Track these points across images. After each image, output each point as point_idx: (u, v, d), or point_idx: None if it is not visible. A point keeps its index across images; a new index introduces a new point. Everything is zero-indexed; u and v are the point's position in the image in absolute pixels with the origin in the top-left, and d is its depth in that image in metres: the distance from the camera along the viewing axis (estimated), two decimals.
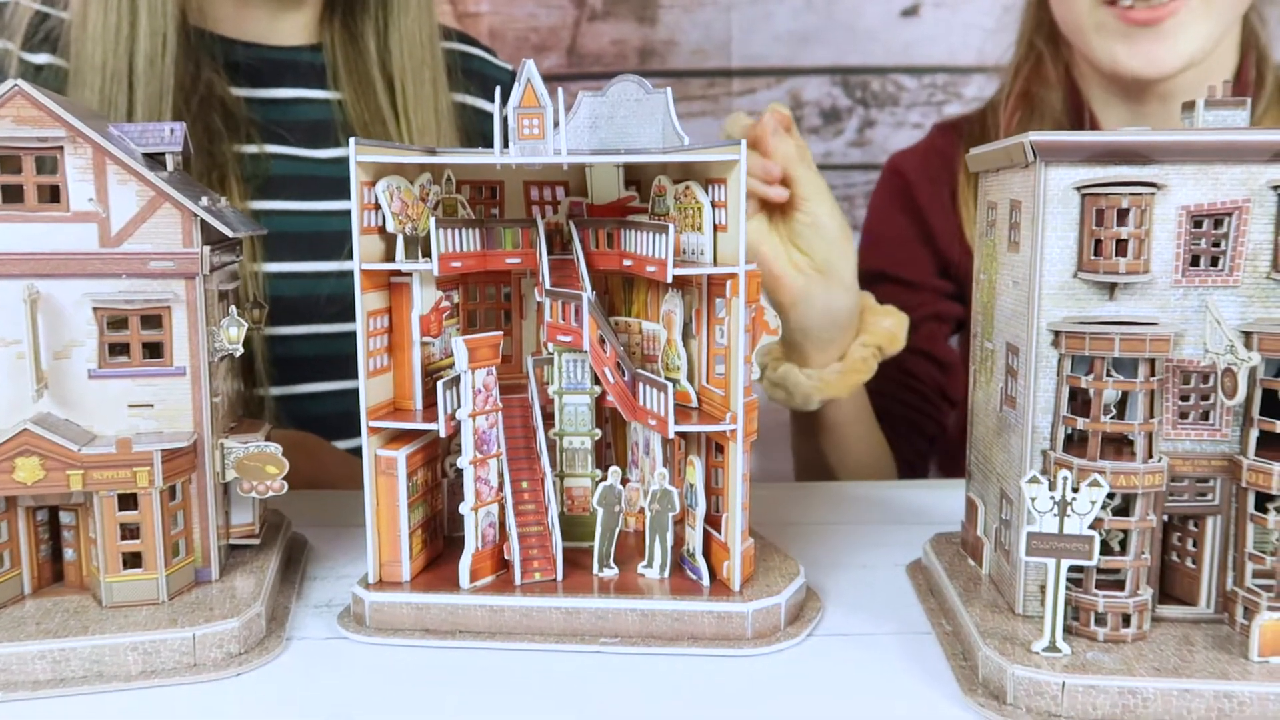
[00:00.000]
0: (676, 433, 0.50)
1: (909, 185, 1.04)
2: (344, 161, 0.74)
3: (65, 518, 0.50)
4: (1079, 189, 0.45)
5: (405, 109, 0.89)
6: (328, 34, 0.90)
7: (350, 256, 0.51)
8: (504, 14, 1.45)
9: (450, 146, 0.90)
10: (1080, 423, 0.45)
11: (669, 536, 0.52)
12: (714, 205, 0.50)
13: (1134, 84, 0.86)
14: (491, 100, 0.86)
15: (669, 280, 0.49)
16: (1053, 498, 0.41)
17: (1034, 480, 0.43)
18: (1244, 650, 0.42)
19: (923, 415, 0.95)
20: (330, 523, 0.63)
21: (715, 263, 0.50)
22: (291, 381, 0.82)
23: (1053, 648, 0.42)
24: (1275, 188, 0.45)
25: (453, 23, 1.42)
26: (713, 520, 0.52)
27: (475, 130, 0.96)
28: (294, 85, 0.89)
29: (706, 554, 0.51)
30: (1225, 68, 0.89)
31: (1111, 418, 0.45)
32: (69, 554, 0.50)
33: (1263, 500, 0.45)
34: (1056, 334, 0.45)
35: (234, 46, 0.85)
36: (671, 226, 0.49)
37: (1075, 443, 0.46)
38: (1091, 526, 0.42)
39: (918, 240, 0.98)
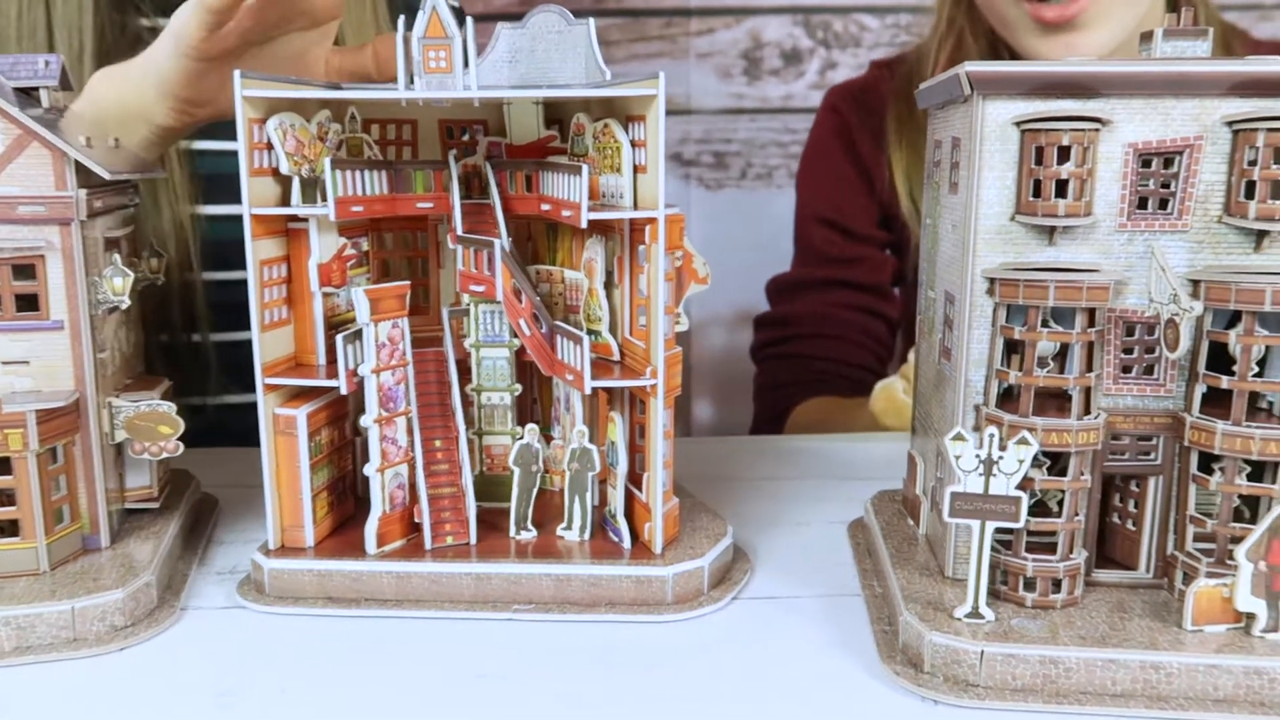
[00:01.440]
0: (596, 388, 0.47)
1: (847, 126, 1.02)
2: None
3: None
4: (1018, 124, 0.42)
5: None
6: None
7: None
8: None
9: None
10: (1013, 376, 0.42)
11: (589, 497, 0.49)
12: (633, 145, 0.47)
13: None
14: None
15: (584, 226, 0.46)
16: (978, 456, 0.39)
17: (958, 437, 0.40)
18: (1179, 618, 0.40)
19: (874, 374, 0.94)
20: (247, 482, 0.60)
21: (635, 206, 0.47)
22: (233, 328, 0.79)
23: (975, 614, 0.40)
24: (1230, 124, 0.42)
25: None
26: (636, 479, 0.49)
27: None
28: None
29: (629, 515, 0.49)
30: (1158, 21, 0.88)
31: (1048, 371, 0.43)
32: None
33: (1206, 460, 0.43)
34: (991, 281, 0.43)
35: None
36: (586, 168, 0.46)
37: (1011, 398, 0.44)
38: (1020, 486, 0.39)
39: (858, 184, 0.97)
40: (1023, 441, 0.39)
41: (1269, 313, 0.40)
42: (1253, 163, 0.41)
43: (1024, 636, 0.39)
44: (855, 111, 1.03)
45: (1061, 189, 0.42)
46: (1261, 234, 0.42)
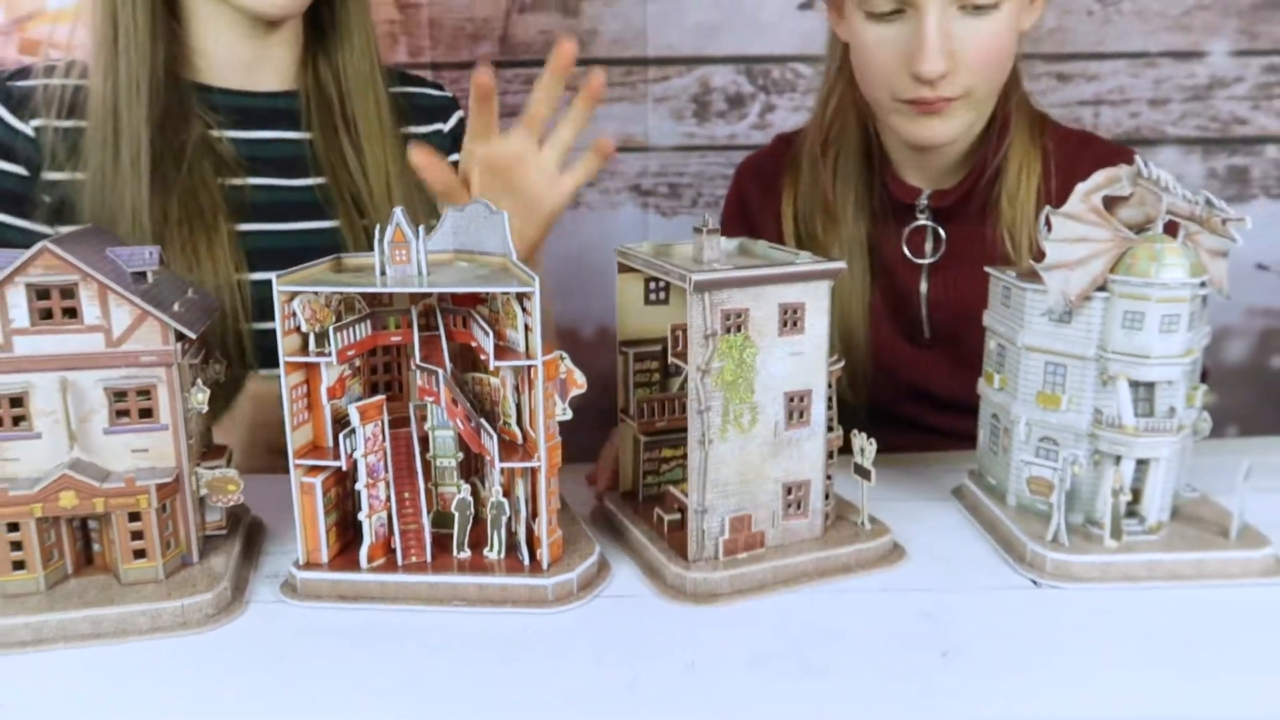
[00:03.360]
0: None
1: (746, 198, 1.25)
2: (314, 188, 0.97)
3: (92, 524, 0.74)
4: None
5: (360, 146, 1.10)
6: (301, 82, 1.11)
7: None
8: (441, 5, 1.63)
9: (398, 171, 1.11)
10: None
11: (503, 531, 0.75)
12: (524, 312, 0.72)
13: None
14: (428, 124, 1.09)
15: (492, 367, 0.72)
16: None
17: None
18: None
19: None
20: (283, 506, 0.88)
21: (526, 355, 0.72)
22: (272, 365, 1.06)
23: None
24: None
25: (395, 13, 1.60)
26: (533, 517, 0.76)
27: None
28: (272, 128, 1.10)
29: (529, 542, 0.75)
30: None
31: None
32: (96, 547, 0.74)
33: None
34: None
35: (222, 95, 1.06)
36: (490, 334, 0.72)
37: None
38: None
39: None
40: None
41: None
42: None
43: None
44: (755, 184, 1.26)
45: None
46: None
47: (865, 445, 0.80)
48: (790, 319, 0.74)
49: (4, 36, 1.60)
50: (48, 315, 0.69)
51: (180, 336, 0.72)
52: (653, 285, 0.86)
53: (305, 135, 1.11)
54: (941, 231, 1.15)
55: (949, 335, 1.14)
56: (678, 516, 0.80)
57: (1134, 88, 1.62)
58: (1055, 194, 1.10)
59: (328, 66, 1.11)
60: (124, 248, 0.74)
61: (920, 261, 1.16)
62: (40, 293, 0.69)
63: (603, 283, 1.65)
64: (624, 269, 0.84)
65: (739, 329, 0.72)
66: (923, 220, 1.15)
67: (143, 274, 0.74)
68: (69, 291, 0.69)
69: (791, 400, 0.75)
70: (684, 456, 0.86)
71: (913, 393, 1.18)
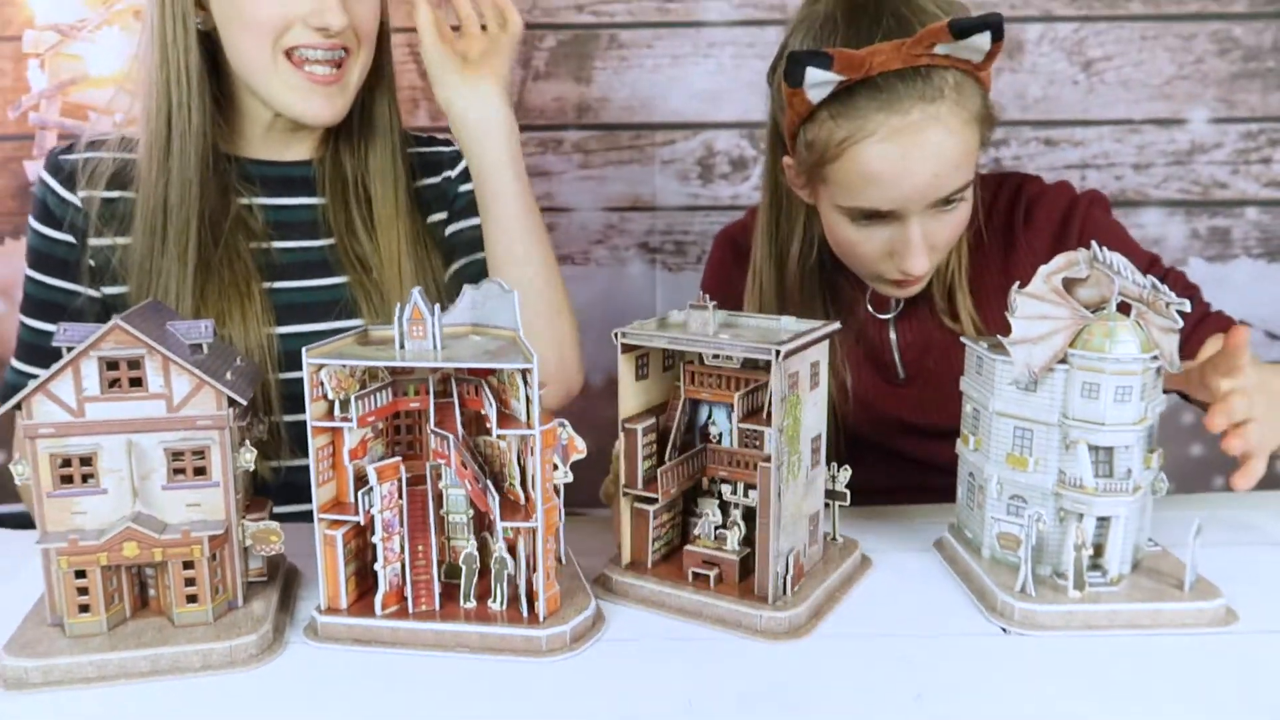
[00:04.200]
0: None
1: (723, 261, 1.31)
2: (326, 249, 1.08)
3: (148, 571, 0.82)
4: None
5: (373, 223, 1.20)
6: (323, 153, 1.21)
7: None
8: None
9: (409, 248, 1.21)
10: None
11: (505, 584, 0.83)
12: (526, 385, 0.80)
13: None
14: (435, 175, 1.23)
15: (495, 435, 0.80)
16: None
17: None
18: None
19: None
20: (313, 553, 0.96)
21: (527, 424, 0.80)
22: (299, 412, 1.09)
23: None
24: None
25: (417, 79, 1.71)
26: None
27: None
28: (298, 195, 1.20)
29: (529, 594, 0.83)
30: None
31: None
32: (151, 592, 0.83)
33: None
34: None
35: (254, 165, 1.17)
36: (495, 404, 0.80)
37: None
38: None
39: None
40: None
41: None
42: None
43: None
44: (730, 253, 1.31)
45: None
46: None
47: (838, 473, 0.92)
48: (815, 375, 0.86)
49: (47, 100, 1.73)
50: (115, 384, 0.79)
51: (232, 402, 0.81)
52: (640, 361, 0.92)
53: (324, 200, 1.21)
54: None
55: (923, 371, 1.20)
56: (715, 571, 0.86)
57: (1118, 153, 1.71)
58: (981, 233, 1.17)
59: (349, 153, 1.20)
60: (182, 322, 0.84)
61: (885, 317, 1.23)
62: (110, 364, 0.79)
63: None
64: (627, 349, 0.87)
65: (794, 388, 0.82)
66: None
67: (199, 345, 0.83)
68: (136, 363, 0.79)
69: (813, 444, 0.87)
70: (676, 518, 0.94)
71: (890, 425, 1.26)
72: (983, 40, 0.94)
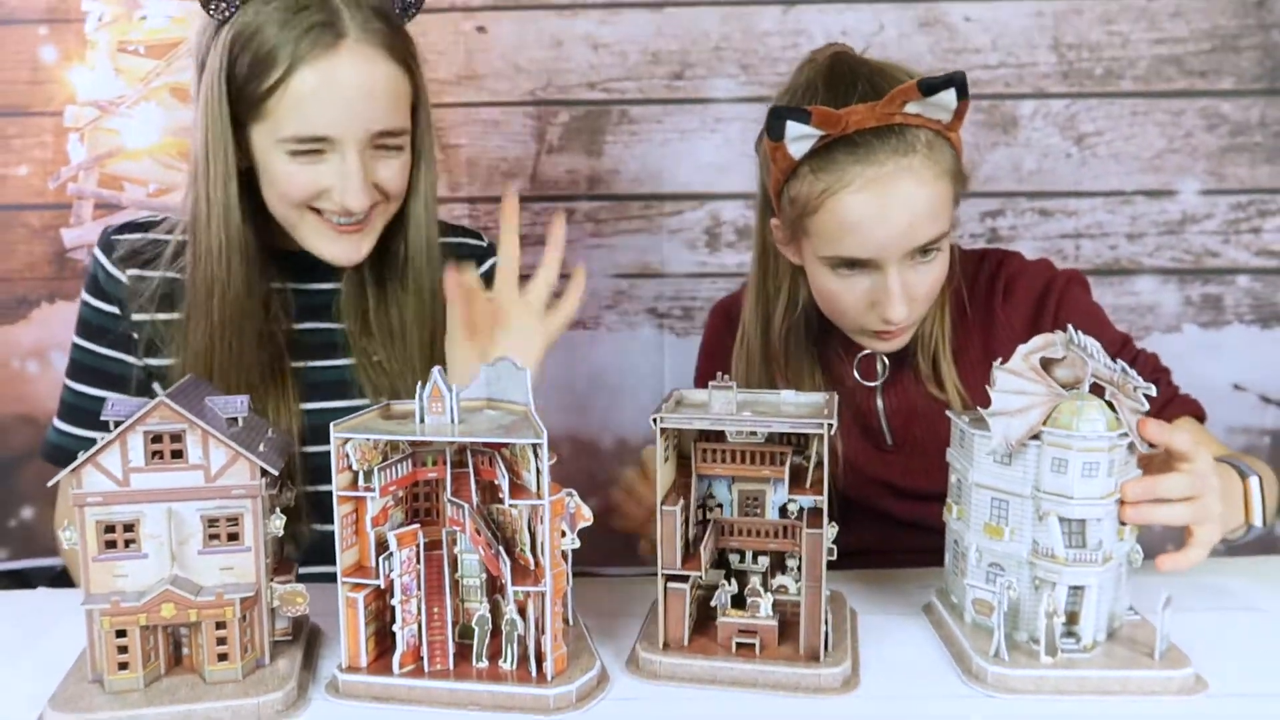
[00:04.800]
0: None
1: (718, 333, 1.35)
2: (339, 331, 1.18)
3: (182, 630, 0.89)
4: None
5: (391, 336, 1.26)
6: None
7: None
8: (478, 147, 1.81)
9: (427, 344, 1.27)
10: None
11: (515, 645, 0.89)
12: (536, 458, 0.87)
13: None
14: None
15: (506, 505, 0.88)
16: None
17: None
18: None
19: None
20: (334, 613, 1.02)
21: (537, 495, 0.87)
22: (324, 483, 1.15)
23: None
24: None
25: (438, 154, 1.80)
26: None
27: None
28: (324, 280, 1.28)
29: (538, 654, 0.89)
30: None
31: None
32: (185, 650, 0.89)
33: None
34: None
35: (287, 255, 1.24)
36: (507, 475, 0.87)
37: None
38: None
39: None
40: None
41: None
42: None
43: None
44: (724, 323, 1.38)
45: None
46: None
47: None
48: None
49: (85, 172, 1.83)
50: (158, 455, 0.86)
51: (264, 472, 0.88)
52: (665, 445, 0.94)
53: (339, 285, 1.29)
54: (885, 358, 1.27)
55: (910, 438, 1.25)
56: (755, 639, 0.89)
57: (1111, 223, 1.77)
58: (964, 306, 1.23)
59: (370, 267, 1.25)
60: (220, 397, 0.91)
61: (872, 385, 1.28)
62: (155, 438, 0.86)
63: (621, 398, 1.82)
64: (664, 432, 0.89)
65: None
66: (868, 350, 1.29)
67: (235, 419, 0.91)
68: (178, 437, 0.86)
69: None
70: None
71: (880, 489, 1.31)
72: (949, 97, 1.01)
